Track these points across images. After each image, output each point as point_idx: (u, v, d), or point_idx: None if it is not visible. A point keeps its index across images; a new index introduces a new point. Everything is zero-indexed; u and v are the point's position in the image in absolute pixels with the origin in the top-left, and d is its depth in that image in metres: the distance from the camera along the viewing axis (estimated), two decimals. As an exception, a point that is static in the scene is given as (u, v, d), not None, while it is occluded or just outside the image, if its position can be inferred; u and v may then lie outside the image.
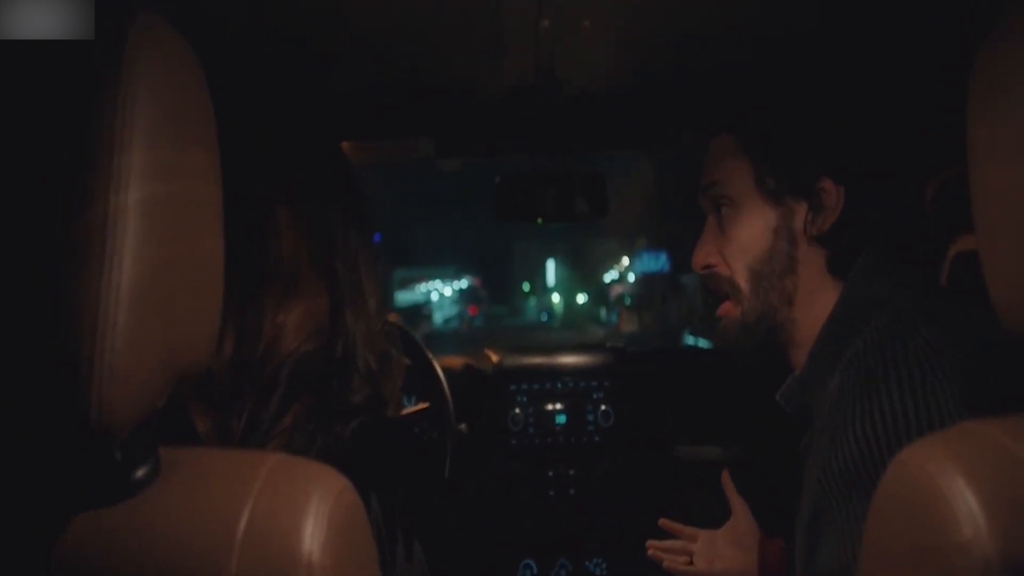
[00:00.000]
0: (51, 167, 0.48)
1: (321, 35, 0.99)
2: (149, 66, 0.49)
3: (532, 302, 48.91)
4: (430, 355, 1.85)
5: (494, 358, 2.03)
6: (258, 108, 0.91)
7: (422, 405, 1.73)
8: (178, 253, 0.51)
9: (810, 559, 0.85)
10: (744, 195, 0.98)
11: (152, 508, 0.52)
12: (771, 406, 1.04)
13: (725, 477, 1.25)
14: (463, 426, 1.75)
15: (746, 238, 0.98)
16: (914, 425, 0.76)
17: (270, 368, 0.75)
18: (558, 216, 1.65)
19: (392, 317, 1.00)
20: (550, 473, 1.93)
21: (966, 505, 0.44)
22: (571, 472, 1.92)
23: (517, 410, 1.93)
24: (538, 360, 2.01)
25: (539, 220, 1.67)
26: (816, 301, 0.95)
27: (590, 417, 1.93)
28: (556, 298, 45.12)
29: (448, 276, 43.90)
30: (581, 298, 42.03)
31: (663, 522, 1.28)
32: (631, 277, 30.21)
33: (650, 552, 1.26)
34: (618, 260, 33.74)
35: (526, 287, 49.79)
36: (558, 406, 1.94)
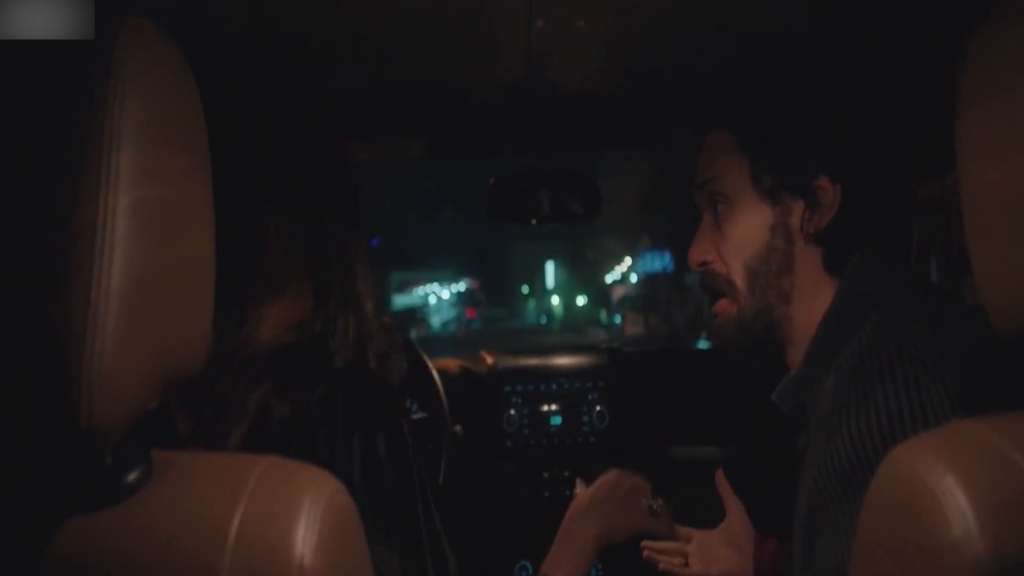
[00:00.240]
0: (40, 169, 0.48)
1: (315, 36, 0.99)
2: (138, 70, 0.49)
3: (531, 304, 48.90)
4: (425, 357, 1.85)
5: (489, 360, 2.03)
6: (255, 108, 0.91)
7: (420, 415, 1.73)
8: (168, 256, 0.51)
9: (806, 559, 0.85)
10: (740, 192, 0.98)
11: (144, 512, 0.52)
12: (766, 406, 1.04)
13: (719, 477, 1.24)
14: (458, 428, 1.75)
15: (742, 235, 0.97)
16: (908, 424, 0.76)
17: (243, 356, 0.75)
18: (552, 217, 1.66)
19: (386, 320, 1.01)
20: (545, 474, 1.92)
21: (956, 504, 0.44)
22: (566, 473, 1.92)
23: (512, 411, 1.92)
24: (533, 361, 2.01)
25: (533, 221, 1.67)
26: (813, 299, 0.95)
27: (585, 418, 1.93)
28: (555, 300, 45.06)
29: (446, 279, 43.88)
30: (581, 300, 41.85)
31: (646, 545, 1.27)
32: (633, 278, 29.76)
33: (645, 554, 1.25)
34: (620, 260, 33.21)
35: (525, 289, 49.77)
36: (553, 407, 1.94)
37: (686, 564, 1.23)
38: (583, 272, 40.98)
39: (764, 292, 0.96)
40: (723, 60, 1.13)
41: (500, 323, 40.98)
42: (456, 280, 44.81)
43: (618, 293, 32.54)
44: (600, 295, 37.39)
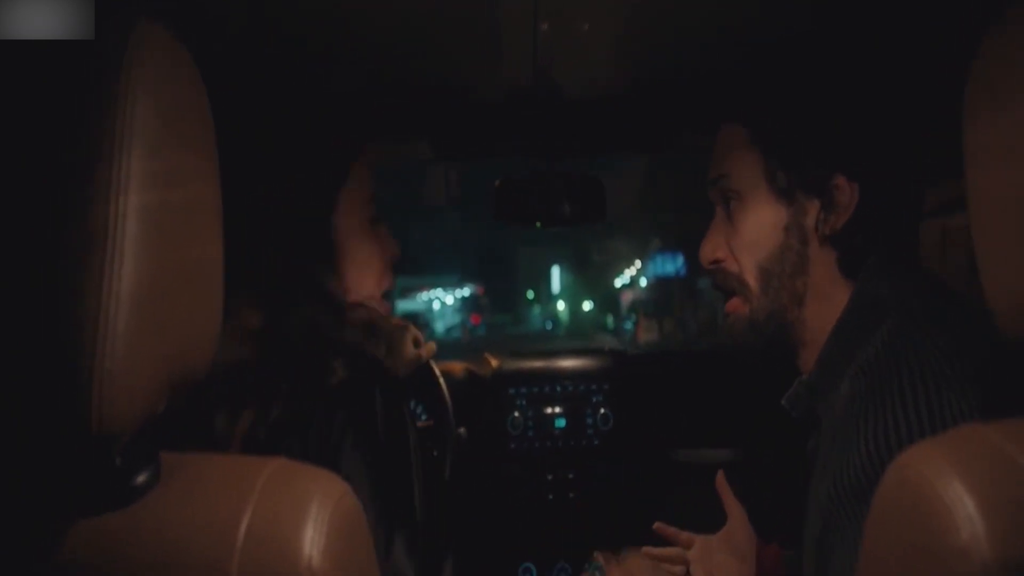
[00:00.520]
0: (52, 172, 0.48)
1: (320, 37, 0.99)
2: (149, 72, 0.50)
3: (536, 310, 48.72)
4: (430, 359, 1.85)
5: (494, 363, 2.03)
6: (257, 109, 0.91)
7: (426, 423, 1.74)
8: (178, 258, 0.52)
9: (821, 575, 0.83)
10: (753, 189, 0.96)
11: (152, 513, 0.52)
12: (771, 408, 1.03)
13: (719, 479, 1.21)
14: (462, 430, 1.75)
15: (755, 234, 0.95)
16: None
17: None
18: (557, 220, 1.66)
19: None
20: (549, 476, 1.92)
21: (964, 509, 0.44)
22: (570, 475, 1.92)
23: (516, 414, 1.93)
24: (537, 364, 2.01)
25: (538, 224, 1.67)
26: (827, 302, 0.93)
27: (589, 420, 1.93)
28: (561, 305, 44.84)
29: (450, 284, 43.79)
30: (587, 305, 41.47)
31: (658, 526, 1.25)
32: (643, 282, 28.88)
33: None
34: (629, 264, 32.31)
35: (530, 294, 49.60)
36: (557, 410, 1.94)
37: (687, 572, 1.20)
38: (590, 276, 40.62)
39: (777, 293, 0.94)
40: (728, 62, 1.12)
41: (505, 329, 40.86)
42: (460, 285, 44.72)
43: (627, 298, 31.47)
44: (607, 300, 36.70)
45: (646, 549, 1.25)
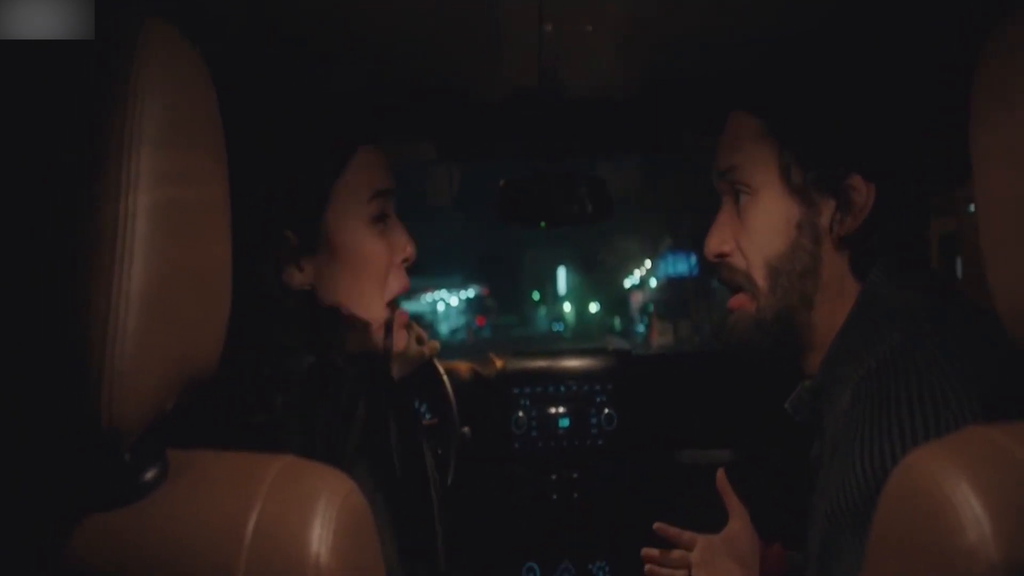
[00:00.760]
0: (61, 171, 0.48)
1: (321, 37, 0.99)
2: (158, 70, 0.50)
3: (542, 311, 48.50)
4: (435, 359, 1.85)
5: (498, 363, 2.03)
6: (259, 109, 0.92)
7: (430, 421, 1.74)
8: (187, 258, 0.52)
9: None
10: (766, 185, 0.92)
11: (160, 510, 0.52)
12: (775, 410, 1.02)
13: (720, 478, 1.18)
14: (466, 429, 1.75)
15: (766, 231, 0.92)
16: None
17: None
18: (561, 219, 1.66)
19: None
20: (553, 476, 1.92)
21: (971, 510, 0.44)
22: (574, 475, 1.92)
23: (520, 413, 1.93)
24: (541, 364, 2.01)
25: (542, 224, 1.68)
26: (837, 304, 0.90)
27: (593, 420, 1.93)
28: (568, 307, 44.62)
29: (455, 285, 43.68)
30: (594, 307, 41.10)
31: (658, 526, 1.22)
32: (653, 282, 28.03)
33: (647, 568, 1.19)
34: (639, 264, 31.30)
35: (536, 296, 49.44)
36: (561, 409, 1.94)
37: (689, 575, 1.16)
38: (597, 277, 40.25)
39: (786, 293, 0.91)
40: (732, 63, 1.12)
41: (510, 331, 40.61)
42: (465, 286, 44.62)
43: (637, 299, 30.45)
44: (614, 302, 36.08)
45: (645, 550, 1.21)
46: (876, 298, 0.88)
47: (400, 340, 1.00)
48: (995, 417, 0.72)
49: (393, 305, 1.00)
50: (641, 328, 25.34)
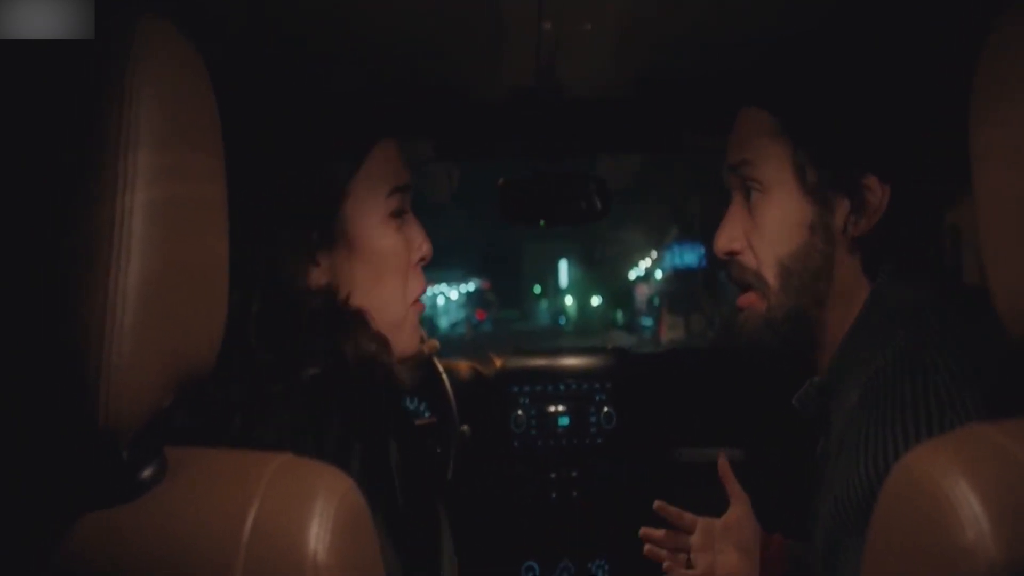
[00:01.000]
0: (57, 169, 0.48)
1: (321, 37, 0.99)
2: (155, 68, 0.50)
3: (544, 305, 48.48)
4: (434, 357, 1.85)
5: (498, 361, 2.04)
6: (257, 108, 0.91)
7: (428, 420, 1.74)
8: (184, 255, 0.52)
9: None
10: (779, 182, 0.91)
11: (158, 508, 0.52)
12: (776, 407, 1.02)
13: (722, 464, 1.17)
14: (465, 428, 1.76)
15: (778, 229, 0.91)
16: None
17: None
18: (561, 218, 1.66)
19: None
20: (552, 475, 1.93)
21: (970, 509, 0.44)
22: (573, 474, 1.92)
23: (519, 412, 1.93)
24: (540, 362, 2.02)
25: (541, 223, 1.68)
26: (849, 304, 0.90)
27: (592, 419, 1.94)
28: (569, 300, 44.51)
29: (455, 279, 43.64)
30: (596, 300, 40.85)
31: (659, 506, 1.21)
32: (658, 274, 27.25)
33: (646, 548, 1.19)
34: (644, 255, 30.43)
35: (537, 289, 49.40)
36: (560, 408, 1.94)
37: (688, 560, 1.17)
38: (600, 270, 40.00)
39: (798, 293, 0.90)
40: (732, 62, 1.11)
41: (511, 325, 40.46)
42: (465, 280, 44.58)
43: (642, 292, 29.35)
44: (617, 294, 35.45)
45: (644, 529, 1.20)
46: (885, 298, 0.88)
47: (415, 339, 0.98)
48: (1000, 416, 0.73)
49: (417, 305, 0.98)
50: (648, 322, 24.42)
